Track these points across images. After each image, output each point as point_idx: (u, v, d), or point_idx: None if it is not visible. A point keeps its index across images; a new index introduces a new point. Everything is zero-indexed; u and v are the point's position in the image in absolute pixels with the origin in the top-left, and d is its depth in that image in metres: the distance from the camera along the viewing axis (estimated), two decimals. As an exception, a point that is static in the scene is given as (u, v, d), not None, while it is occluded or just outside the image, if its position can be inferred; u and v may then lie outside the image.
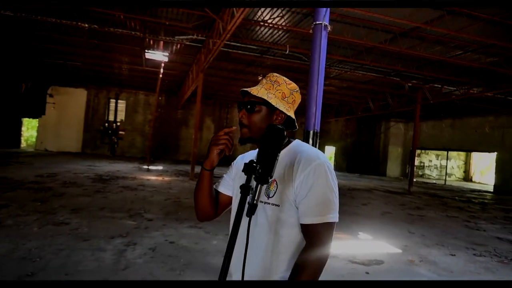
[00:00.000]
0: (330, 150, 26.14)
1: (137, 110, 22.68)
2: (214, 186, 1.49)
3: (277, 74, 1.35)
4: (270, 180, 1.01)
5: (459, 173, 26.71)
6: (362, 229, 6.68)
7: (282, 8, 8.55)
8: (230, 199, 1.46)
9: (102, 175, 11.80)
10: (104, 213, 6.42)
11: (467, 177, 26.38)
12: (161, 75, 15.31)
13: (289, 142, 1.35)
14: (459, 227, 7.94)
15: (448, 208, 10.92)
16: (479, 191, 18.55)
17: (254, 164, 0.97)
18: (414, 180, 16.24)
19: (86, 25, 9.83)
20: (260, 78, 16.11)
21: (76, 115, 21.74)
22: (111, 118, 22.02)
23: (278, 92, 1.31)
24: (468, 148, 21.25)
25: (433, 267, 4.78)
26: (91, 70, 17.76)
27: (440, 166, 26.27)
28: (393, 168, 24.49)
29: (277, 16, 9.03)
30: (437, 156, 26.56)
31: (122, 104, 22.45)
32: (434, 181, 23.26)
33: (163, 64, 14.08)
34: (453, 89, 14.43)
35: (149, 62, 14.45)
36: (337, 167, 24.62)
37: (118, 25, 10.19)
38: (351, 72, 13.34)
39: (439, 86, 14.21)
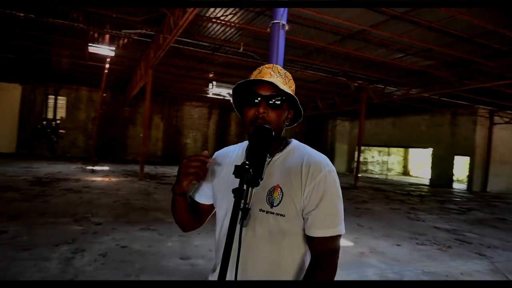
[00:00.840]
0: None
1: (79, 107, 21.33)
2: (190, 194, 1.35)
3: (280, 66, 1.22)
4: (260, 182, 0.94)
5: (398, 168, 28.59)
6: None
7: (235, 6, 8.50)
8: (211, 206, 1.33)
9: (41, 178, 10.93)
10: (46, 218, 5.95)
11: (405, 172, 28.32)
12: (106, 71, 14.51)
13: (287, 143, 1.22)
14: (402, 218, 8.48)
15: (391, 201, 11.63)
16: (417, 184, 20.00)
17: (247, 167, 0.89)
18: (359, 175, 17.07)
19: (22, 14, 8.99)
20: (211, 75, 15.94)
21: (9, 113, 19.89)
22: (50, 115, 20.43)
23: (290, 89, 1.19)
24: (407, 144, 22.80)
25: (382, 258, 5.05)
26: (26, 63, 16.33)
27: (382, 161, 27.90)
28: (340, 164, 25.58)
29: (230, 14, 8.96)
30: (379, 152, 28.18)
31: (62, 101, 20.94)
32: (377, 176, 24.67)
33: (108, 59, 13.34)
34: (394, 90, 15.37)
35: (93, 57, 13.60)
36: (288, 164, 25.14)
37: (58, 16, 9.46)
38: (301, 71, 13.65)
39: (382, 86, 15.05)
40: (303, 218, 1.11)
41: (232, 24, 9.48)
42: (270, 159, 1.17)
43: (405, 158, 28.77)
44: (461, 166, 21.61)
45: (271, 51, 3.56)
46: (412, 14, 8.09)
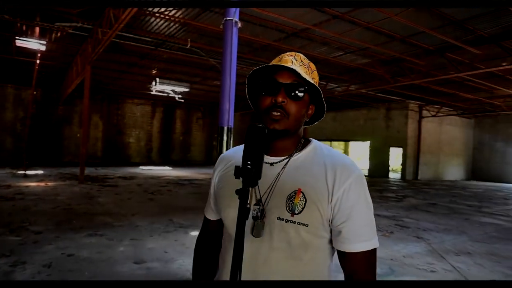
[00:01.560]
0: (227, 144, 26.66)
1: (6, 106, 19.40)
2: (205, 214, 1.24)
3: (303, 55, 1.08)
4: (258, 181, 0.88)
5: (340, 160, 30.09)
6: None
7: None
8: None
9: (-37, 185, 9.81)
10: (-25, 230, 5.36)
11: (346, 164, 29.88)
12: (37, 67, 13.36)
13: (306, 143, 1.10)
14: (347, 208, 8.94)
15: (336, 192, 12.21)
16: (357, 175, 21.18)
17: (249, 166, 0.81)
18: (305, 169, 17.64)
19: None
20: (154, 72, 15.40)
21: None
22: (-30, 116, 18.39)
23: (314, 80, 1.04)
24: (347, 138, 24.08)
25: (333, 247, 5.29)
26: None
27: (324, 155, 29.15)
28: (286, 159, 26.26)
29: (174, 8, 8.72)
30: (322, 146, 29.40)
31: (-16, 100, 18.93)
32: (320, 169, 25.72)
33: (39, 54, 12.30)
34: (335, 86, 16.12)
35: (21, 51, 12.44)
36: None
37: (-21, 5, 8.51)
38: (247, 68, 13.73)
39: (324, 83, 15.68)
40: (331, 229, 0.99)
41: (177, 20, 9.25)
42: (288, 159, 1.04)
43: (346, 151, 30.33)
44: (395, 157, 23.29)
45: (224, 48, 3.55)
46: (352, 14, 8.51)
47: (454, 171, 22.04)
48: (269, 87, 0.99)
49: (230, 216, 1.03)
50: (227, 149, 3.68)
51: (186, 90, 17.32)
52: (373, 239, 0.97)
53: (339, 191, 0.96)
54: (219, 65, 11.94)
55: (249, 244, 0.95)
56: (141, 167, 20.04)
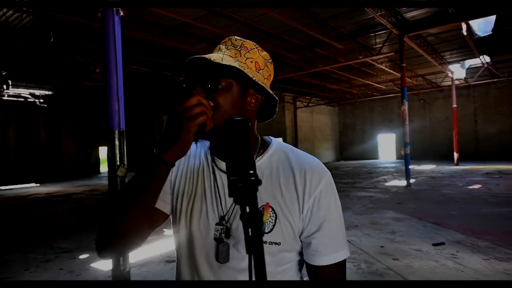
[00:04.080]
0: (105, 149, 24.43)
1: None
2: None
3: (237, 37, 0.92)
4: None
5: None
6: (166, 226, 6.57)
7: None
8: (164, 217, 0.93)
9: None
10: None
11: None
12: None
13: (264, 143, 0.92)
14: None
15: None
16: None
17: (253, 178, 0.57)
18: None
19: None
20: (4, 73, 12.92)
21: None
22: None
23: (249, 61, 0.86)
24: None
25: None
26: None
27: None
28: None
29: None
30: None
31: None
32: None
33: None
34: (217, 82, 16.23)
35: None
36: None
37: None
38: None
39: (206, 79, 15.62)
40: (301, 241, 0.87)
41: (30, 10, 7.88)
42: None
43: (231, 146, 31.17)
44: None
45: (107, 41, 3.07)
46: (230, 10, 8.60)
47: (326, 154, 24.74)
48: (184, 86, 0.82)
49: (195, 221, 0.87)
50: (120, 155, 3.23)
51: (49, 93, 15.09)
52: (344, 249, 0.87)
53: (310, 199, 0.84)
54: (89, 63, 10.74)
55: (213, 271, 0.84)
56: (-3, 187, 16.77)
